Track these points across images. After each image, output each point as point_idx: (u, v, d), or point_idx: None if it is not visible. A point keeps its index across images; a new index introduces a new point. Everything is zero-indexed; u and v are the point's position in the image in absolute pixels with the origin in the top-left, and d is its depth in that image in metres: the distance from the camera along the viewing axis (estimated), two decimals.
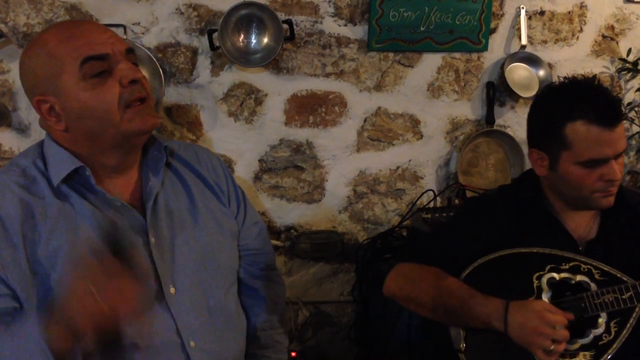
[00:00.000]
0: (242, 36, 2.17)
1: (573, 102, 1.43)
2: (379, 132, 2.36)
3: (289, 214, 2.36)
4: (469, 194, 2.33)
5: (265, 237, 1.61)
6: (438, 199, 2.38)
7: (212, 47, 2.12)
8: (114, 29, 2.02)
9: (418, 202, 2.38)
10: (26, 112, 2.09)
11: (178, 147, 1.46)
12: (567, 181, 1.47)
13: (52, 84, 1.19)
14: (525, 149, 2.41)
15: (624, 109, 2.43)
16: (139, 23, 2.11)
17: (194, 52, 2.17)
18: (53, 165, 1.25)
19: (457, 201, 2.32)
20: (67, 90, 1.19)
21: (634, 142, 2.53)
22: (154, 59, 2.10)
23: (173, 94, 2.18)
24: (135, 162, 1.34)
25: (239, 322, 1.45)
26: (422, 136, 2.40)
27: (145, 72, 2.04)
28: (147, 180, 1.33)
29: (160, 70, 2.11)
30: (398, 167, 2.41)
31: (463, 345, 1.48)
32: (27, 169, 1.26)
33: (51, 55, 1.19)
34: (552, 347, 1.33)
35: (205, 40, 2.13)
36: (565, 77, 1.51)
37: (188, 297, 1.30)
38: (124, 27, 2.08)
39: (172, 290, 1.28)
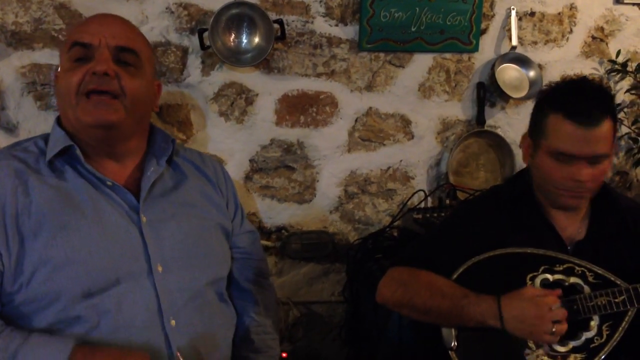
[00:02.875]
0: (232, 36, 2.15)
1: (560, 95, 1.48)
2: (370, 132, 2.36)
3: (280, 214, 2.35)
4: (459, 194, 2.33)
5: (259, 247, 1.66)
6: (429, 199, 2.39)
7: (203, 46, 2.10)
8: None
9: (409, 203, 2.38)
10: (14, 111, 2.06)
11: (184, 149, 1.55)
12: (540, 171, 1.51)
13: (60, 58, 1.39)
14: (515, 149, 2.43)
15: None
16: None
17: (185, 51, 2.15)
18: (51, 143, 1.34)
19: (448, 201, 2.33)
20: (61, 67, 1.37)
21: (623, 142, 2.55)
22: None
23: (163, 94, 2.16)
24: (130, 152, 1.40)
25: (226, 317, 1.46)
26: (413, 136, 2.40)
27: None
28: (149, 167, 1.39)
29: None
30: (389, 168, 2.41)
31: (455, 344, 1.49)
32: (29, 147, 1.36)
33: (67, 34, 1.37)
34: (555, 329, 1.34)
35: (195, 39, 2.11)
36: (571, 76, 1.57)
37: (175, 277, 1.32)
38: None
39: (160, 268, 1.30)
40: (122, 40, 1.33)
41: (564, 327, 1.36)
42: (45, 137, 1.39)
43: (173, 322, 1.29)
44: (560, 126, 1.44)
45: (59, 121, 1.40)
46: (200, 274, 1.38)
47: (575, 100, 1.44)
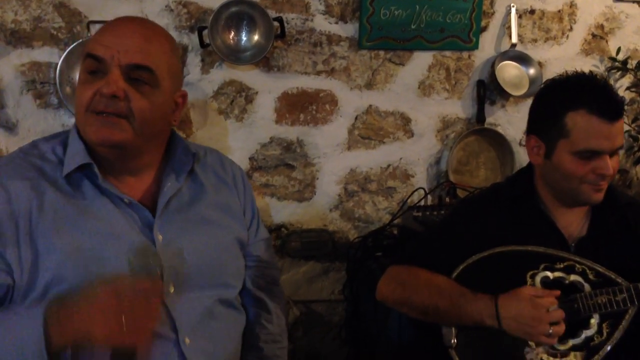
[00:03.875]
0: (232, 34, 2.15)
1: (577, 92, 1.45)
2: (369, 130, 2.36)
3: (280, 212, 2.35)
4: (459, 192, 2.33)
5: (272, 253, 1.62)
6: (429, 197, 2.38)
7: (202, 44, 2.10)
8: (98, 26, 2.04)
9: (409, 201, 2.38)
10: (14, 109, 2.05)
11: (204, 153, 1.48)
12: (559, 171, 1.48)
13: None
14: (515, 147, 2.43)
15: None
16: None
17: (184, 49, 2.15)
18: (69, 155, 1.28)
19: (447, 199, 2.33)
20: (78, 77, 1.30)
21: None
22: None
23: None
24: (145, 166, 1.35)
25: (237, 324, 1.44)
26: (412, 134, 2.40)
27: None
28: (166, 182, 1.34)
29: None
30: (389, 166, 2.40)
31: (454, 342, 1.48)
32: (46, 153, 1.29)
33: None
34: (552, 330, 1.34)
35: (195, 37, 2.11)
36: (570, 72, 1.53)
37: (186, 298, 1.29)
38: None
39: (172, 289, 1.27)
40: (136, 57, 1.23)
41: (561, 328, 1.35)
42: (64, 142, 1.31)
43: (187, 341, 1.27)
44: (585, 124, 1.41)
45: (78, 129, 1.32)
46: (212, 293, 1.35)
47: (597, 96, 1.42)
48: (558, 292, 1.39)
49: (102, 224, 1.24)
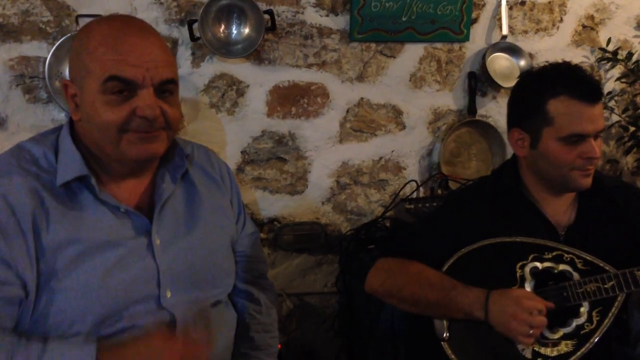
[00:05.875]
0: (222, 27, 2.14)
1: (555, 79, 1.47)
2: (361, 122, 2.36)
3: (272, 205, 2.35)
4: (451, 184, 2.33)
5: (260, 247, 1.63)
6: (421, 189, 2.39)
7: (193, 37, 2.09)
8: (91, 20, 2.02)
9: (401, 193, 2.39)
10: (3, 104, 2.04)
11: (192, 150, 1.47)
12: (547, 159, 1.49)
13: (79, 78, 1.21)
14: (506, 138, 2.42)
15: (604, 98, 2.46)
16: (117, 13, 2.07)
17: (174, 43, 2.14)
18: (62, 163, 1.24)
19: (439, 191, 2.33)
20: (87, 92, 1.20)
21: (614, 131, 2.56)
22: None
23: None
24: (147, 170, 1.34)
25: (229, 320, 1.45)
26: (404, 127, 2.40)
27: None
28: (161, 184, 1.33)
29: None
30: (381, 158, 2.41)
31: (447, 335, 1.49)
32: (39, 160, 1.25)
33: (87, 52, 1.19)
34: (531, 332, 1.35)
35: (185, 30, 2.10)
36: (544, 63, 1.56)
37: (184, 299, 1.30)
38: None
39: (169, 293, 1.28)
40: (165, 72, 1.22)
41: (537, 332, 1.36)
42: (55, 146, 1.27)
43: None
44: (567, 109, 1.44)
45: (70, 132, 1.28)
46: (207, 294, 1.36)
47: (575, 81, 1.45)
48: (552, 305, 1.40)
49: (101, 233, 1.23)
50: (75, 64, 1.23)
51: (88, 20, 1.98)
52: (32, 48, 2.03)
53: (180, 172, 1.37)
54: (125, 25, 1.23)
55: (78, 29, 2.01)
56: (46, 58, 1.99)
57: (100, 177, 1.27)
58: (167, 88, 1.24)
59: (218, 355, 1.39)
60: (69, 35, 2.00)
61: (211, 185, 1.45)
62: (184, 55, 2.16)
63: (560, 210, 1.57)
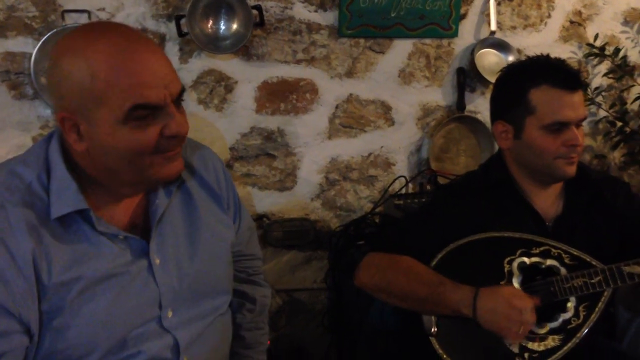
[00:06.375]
0: (210, 22, 2.13)
1: (536, 69, 1.51)
2: (350, 118, 2.36)
3: (261, 202, 2.34)
4: (440, 179, 2.34)
5: (256, 242, 1.58)
6: (410, 185, 2.39)
7: (180, 33, 2.08)
8: (77, 15, 2.01)
9: (390, 189, 2.39)
10: None
11: (185, 152, 1.33)
12: (532, 148, 1.51)
13: (86, 109, 1.07)
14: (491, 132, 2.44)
15: (591, 94, 2.47)
16: (104, 9, 2.06)
17: (162, 38, 2.13)
18: (55, 192, 1.13)
19: (429, 187, 2.34)
20: (101, 123, 1.08)
21: (601, 126, 2.57)
22: None
23: None
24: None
25: (229, 332, 1.43)
26: (393, 122, 2.40)
27: None
28: (154, 200, 1.25)
29: None
30: (370, 154, 2.41)
31: (435, 330, 1.50)
32: (32, 184, 1.13)
33: (96, 80, 1.05)
34: (520, 331, 1.36)
35: (173, 26, 2.08)
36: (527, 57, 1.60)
37: (186, 317, 1.26)
38: (89, 12, 2.03)
39: (170, 314, 1.23)
40: (177, 84, 1.13)
41: (527, 328, 1.38)
42: (46, 168, 1.15)
43: (186, 358, 1.25)
44: (549, 97, 1.46)
45: (63, 156, 1.16)
46: (208, 307, 1.32)
47: (555, 70, 1.48)
48: (539, 302, 1.41)
49: (102, 265, 1.16)
50: (76, 93, 1.07)
51: (75, 15, 2.01)
52: (18, 44, 2.01)
53: (175, 184, 1.28)
54: (125, 39, 1.10)
55: (64, 24, 1.99)
56: (32, 54, 1.97)
57: (95, 203, 1.18)
58: (180, 99, 1.17)
59: None
60: (54, 30, 1.98)
61: (208, 191, 1.37)
62: (171, 51, 2.14)
63: (547, 202, 1.58)
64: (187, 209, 1.31)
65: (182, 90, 1.15)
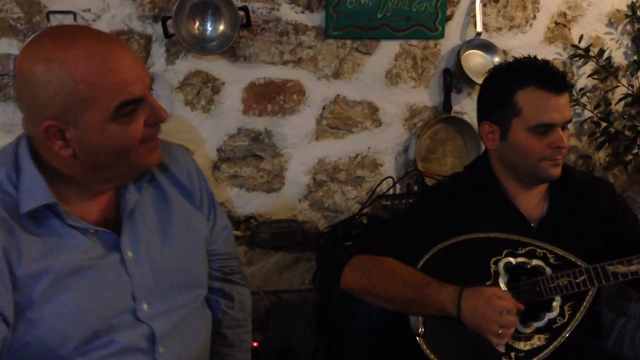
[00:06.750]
0: (197, 23, 2.12)
1: (522, 71, 1.51)
2: (337, 120, 2.36)
3: (249, 203, 2.34)
4: (427, 180, 2.35)
5: (233, 241, 1.60)
6: (397, 185, 2.40)
7: (167, 34, 2.07)
8: (63, 16, 2.00)
9: (378, 190, 2.39)
10: None
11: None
12: (517, 150, 1.52)
13: (72, 114, 1.10)
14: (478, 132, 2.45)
15: (576, 94, 2.49)
16: (89, 10, 2.05)
17: (148, 39, 2.12)
18: (25, 187, 1.16)
19: (416, 188, 2.34)
20: (90, 125, 1.11)
21: (586, 127, 2.60)
22: None
23: None
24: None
25: (206, 324, 1.43)
26: (380, 123, 2.40)
27: None
28: (125, 194, 1.28)
29: None
30: (357, 155, 2.41)
31: (422, 330, 1.50)
32: (2, 182, 1.16)
33: (78, 84, 1.08)
34: (500, 332, 1.36)
35: (159, 27, 2.08)
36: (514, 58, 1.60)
37: (162, 309, 1.28)
38: (74, 14, 2.02)
39: (145, 306, 1.25)
40: (148, 75, 1.21)
41: (509, 332, 1.38)
42: (16, 165, 1.18)
43: (162, 350, 1.26)
44: (534, 99, 1.47)
45: (32, 154, 1.19)
46: (184, 300, 1.33)
47: (542, 72, 1.49)
48: (522, 307, 1.42)
49: (73, 258, 1.18)
50: (58, 100, 1.09)
51: (60, 17, 1.99)
52: (2, 45, 2.00)
53: (145, 179, 1.31)
54: (97, 41, 1.13)
55: (49, 25, 1.98)
56: (16, 55, 1.95)
57: (65, 198, 1.21)
58: (152, 88, 1.24)
59: (197, 356, 1.37)
60: (39, 32, 1.96)
61: (179, 186, 1.41)
62: (158, 52, 2.13)
63: (532, 203, 1.59)
64: (160, 204, 1.35)
65: (152, 81, 1.21)
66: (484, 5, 2.39)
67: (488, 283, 1.49)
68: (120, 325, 1.22)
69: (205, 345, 1.42)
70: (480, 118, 1.61)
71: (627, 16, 2.55)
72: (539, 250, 1.50)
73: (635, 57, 2.57)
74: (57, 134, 1.12)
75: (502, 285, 1.49)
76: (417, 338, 1.51)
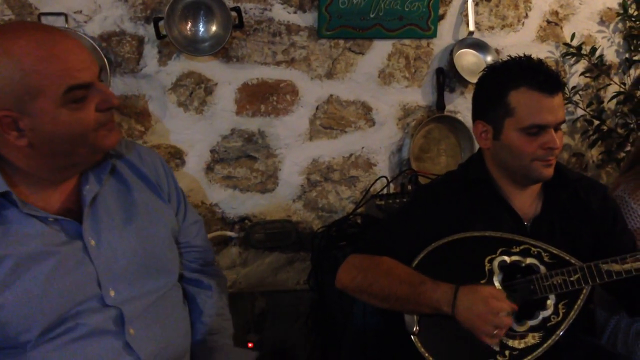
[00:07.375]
0: (189, 24, 2.12)
1: (516, 72, 1.51)
2: (331, 119, 2.36)
3: (243, 204, 2.33)
4: (421, 179, 2.35)
5: (204, 235, 1.63)
6: (391, 185, 2.40)
7: (159, 35, 2.06)
8: (54, 18, 1.99)
9: (372, 189, 2.40)
10: None
11: (120, 147, 1.44)
12: (509, 150, 1.52)
13: (23, 103, 1.14)
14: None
15: (568, 93, 2.50)
16: (80, 11, 2.04)
17: (140, 41, 2.11)
18: None
19: (410, 187, 2.35)
20: (42, 112, 1.16)
21: (579, 125, 2.61)
22: (98, 49, 2.03)
23: (119, 85, 2.12)
24: (73, 175, 1.33)
25: (180, 308, 1.45)
26: (374, 123, 2.41)
27: None
28: (85, 185, 1.32)
29: (105, 60, 2.04)
30: (351, 155, 2.41)
31: (417, 329, 1.51)
32: None
33: (27, 73, 1.13)
34: (495, 332, 1.37)
35: (151, 28, 2.07)
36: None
37: (129, 295, 1.31)
38: (65, 15, 2.01)
39: (112, 292, 1.28)
40: (97, 64, 1.25)
41: (502, 332, 1.40)
42: None
43: (132, 331, 1.28)
44: (528, 100, 1.47)
45: None
46: (152, 286, 1.36)
47: (535, 73, 1.49)
48: (516, 307, 1.43)
49: (33, 244, 1.21)
50: (9, 91, 1.13)
51: (51, 18, 1.98)
52: None
53: (105, 171, 1.36)
54: (44, 32, 1.19)
55: None
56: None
57: (23, 190, 1.25)
58: (100, 79, 1.26)
59: (179, 342, 1.40)
60: None
61: (143, 179, 1.45)
62: (150, 53, 2.13)
63: (526, 202, 1.60)
64: (122, 194, 1.39)
65: (100, 69, 1.26)
66: (476, 5, 2.40)
67: (482, 281, 1.49)
68: (87, 311, 1.24)
69: (182, 332, 1.44)
70: (474, 117, 1.62)
71: (618, 14, 2.56)
72: (533, 249, 1.50)
73: (627, 55, 2.59)
74: (11, 124, 1.16)
75: (497, 284, 1.49)
76: (411, 337, 1.51)
